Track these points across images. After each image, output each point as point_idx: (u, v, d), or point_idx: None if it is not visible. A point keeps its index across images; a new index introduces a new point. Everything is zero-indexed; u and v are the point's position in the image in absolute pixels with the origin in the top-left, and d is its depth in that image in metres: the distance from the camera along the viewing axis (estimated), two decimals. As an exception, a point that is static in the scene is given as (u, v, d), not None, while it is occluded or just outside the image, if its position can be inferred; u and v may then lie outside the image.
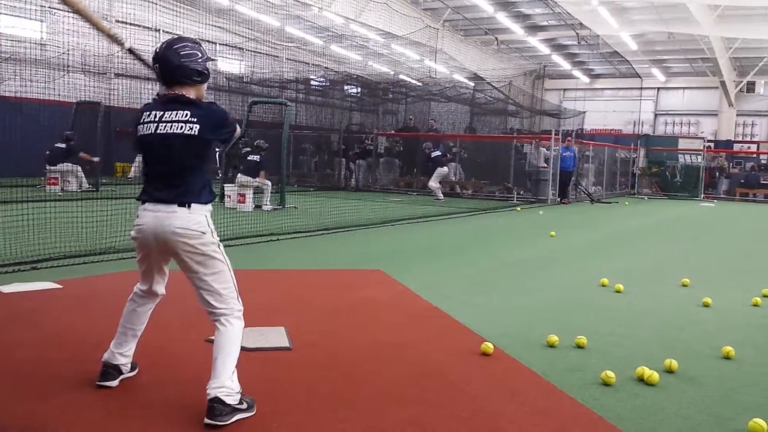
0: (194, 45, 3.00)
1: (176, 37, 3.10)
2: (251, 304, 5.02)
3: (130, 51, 3.21)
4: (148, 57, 3.11)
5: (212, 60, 3.10)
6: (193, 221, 2.90)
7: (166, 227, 2.88)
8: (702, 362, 3.97)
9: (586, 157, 20.92)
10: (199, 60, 2.97)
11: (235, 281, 3.03)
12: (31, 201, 9.23)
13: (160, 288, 3.22)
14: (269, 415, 2.95)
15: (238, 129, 3.17)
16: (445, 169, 17.43)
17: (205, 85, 3.04)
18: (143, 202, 2.98)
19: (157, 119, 2.92)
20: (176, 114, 2.90)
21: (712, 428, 3.02)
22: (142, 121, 2.96)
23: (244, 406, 2.89)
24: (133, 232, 3.02)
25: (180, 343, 3.67)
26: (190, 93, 2.97)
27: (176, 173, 2.92)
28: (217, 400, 2.80)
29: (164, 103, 2.96)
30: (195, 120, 2.89)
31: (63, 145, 14.52)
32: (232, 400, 2.83)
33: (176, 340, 3.53)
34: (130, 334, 3.23)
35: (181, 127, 2.88)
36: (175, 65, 2.92)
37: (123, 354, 3.22)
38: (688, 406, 3.26)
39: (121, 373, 3.21)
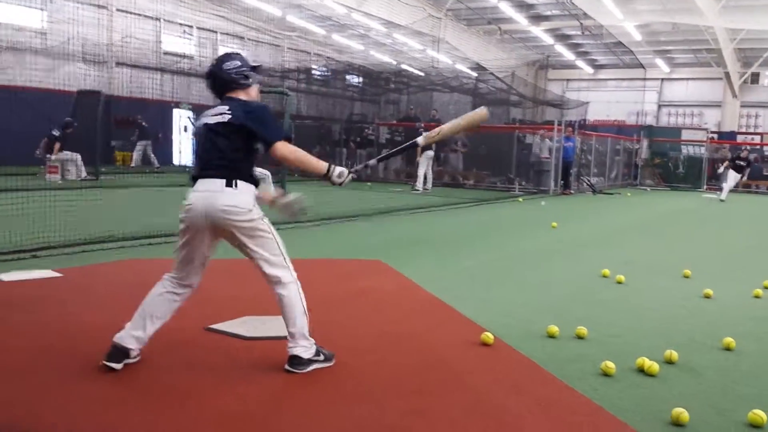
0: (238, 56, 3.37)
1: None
2: (251, 293, 5.03)
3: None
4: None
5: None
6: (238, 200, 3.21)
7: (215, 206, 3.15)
8: (703, 353, 3.97)
9: (589, 147, 20.81)
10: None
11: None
12: (32, 189, 9.23)
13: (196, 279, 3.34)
14: (270, 405, 2.95)
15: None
16: (430, 152, 16.33)
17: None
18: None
19: None
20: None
21: (712, 419, 3.02)
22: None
23: (321, 357, 3.35)
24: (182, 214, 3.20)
25: (178, 332, 3.67)
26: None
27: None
28: (294, 357, 3.26)
29: None
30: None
31: (57, 133, 14.36)
32: (308, 353, 3.29)
33: (174, 328, 3.52)
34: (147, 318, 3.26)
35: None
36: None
37: (136, 337, 3.22)
38: (688, 397, 3.25)
39: (127, 356, 3.22)
